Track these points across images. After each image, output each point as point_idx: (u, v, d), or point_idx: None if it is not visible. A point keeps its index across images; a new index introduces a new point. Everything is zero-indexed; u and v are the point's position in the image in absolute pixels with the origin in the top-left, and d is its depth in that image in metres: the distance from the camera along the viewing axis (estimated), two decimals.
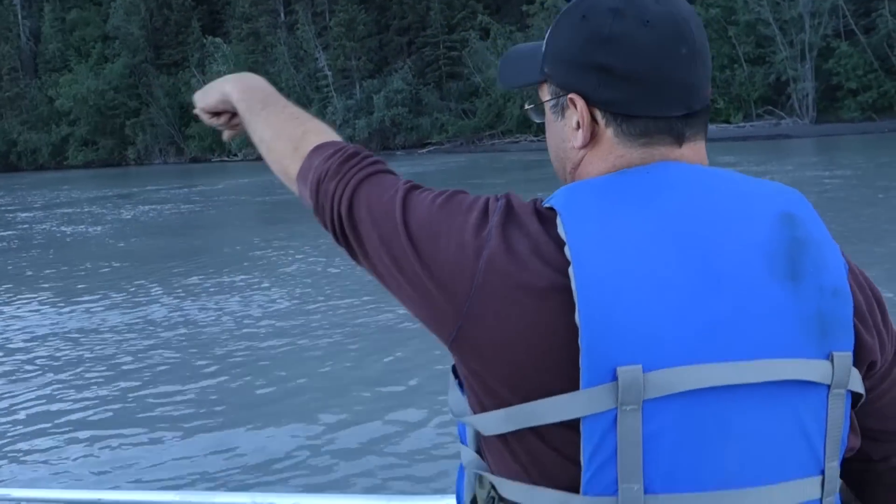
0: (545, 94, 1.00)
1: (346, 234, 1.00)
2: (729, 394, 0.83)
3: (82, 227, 19.71)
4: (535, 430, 0.85)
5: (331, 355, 7.11)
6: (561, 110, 0.97)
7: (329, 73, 58.43)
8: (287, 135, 1.12)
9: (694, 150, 0.94)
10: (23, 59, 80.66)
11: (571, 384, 0.82)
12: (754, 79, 44.54)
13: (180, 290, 10.55)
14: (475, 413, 0.91)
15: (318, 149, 1.07)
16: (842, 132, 38.74)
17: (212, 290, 10.49)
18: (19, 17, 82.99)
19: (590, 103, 0.92)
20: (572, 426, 0.83)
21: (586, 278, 0.81)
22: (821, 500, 0.88)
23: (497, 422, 0.87)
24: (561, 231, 0.85)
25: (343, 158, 1.04)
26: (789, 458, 0.86)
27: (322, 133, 1.11)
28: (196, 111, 1.31)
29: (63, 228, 19.37)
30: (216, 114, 1.28)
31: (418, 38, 58.58)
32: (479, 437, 0.94)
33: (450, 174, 31.56)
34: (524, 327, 0.83)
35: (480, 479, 0.95)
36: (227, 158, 66.05)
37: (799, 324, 0.85)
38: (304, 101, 61.23)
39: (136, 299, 10.18)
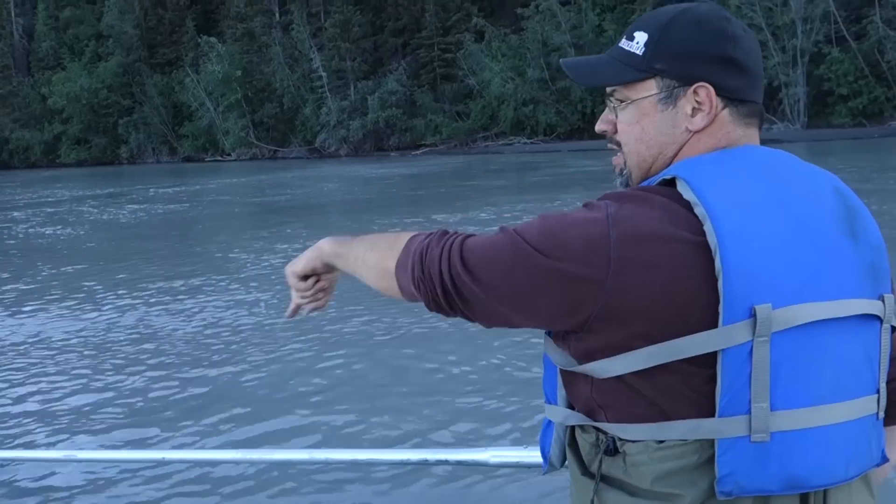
0: (647, 89, 1.15)
1: (457, 287, 1.11)
2: (827, 326, 1.03)
3: (62, 226, 19.68)
4: (667, 367, 1.02)
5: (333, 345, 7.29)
6: (674, 100, 1.14)
7: (324, 74, 58.54)
8: (382, 241, 1.26)
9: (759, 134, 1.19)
10: (16, 56, 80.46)
11: (709, 323, 0.99)
12: None
13: (160, 291, 10.28)
14: (588, 362, 1.08)
15: (412, 238, 1.20)
16: (832, 137, 39.16)
17: (192, 289, 10.28)
18: (12, 14, 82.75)
19: (716, 91, 1.12)
20: (705, 359, 1.00)
21: (722, 232, 0.99)
22: (877, 414, 1.11)
23: (636, 360, 1.03)
24: (690, 195, 1.03)
25: (439, 234, 1.17)
26: (861, 378, 1.08)
27: (407, 233, 1.24)
28: (290, 280, 1.42)
29: (44, 229, 19.28)
30: (305, 277, 1.40)
31: (413, 39, 58.77)
32: (576, 393, 1.14)
33: (444, 175, 31.73)
34: (665, 286, 1.00)
35: (581, 430, 1.15)
36: (220, 158, 66.11)
37: (860, 271, 1.08)
38: (298, 102, 61.43)
39: (112, 300, 9.88)
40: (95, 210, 24.18)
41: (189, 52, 69.17)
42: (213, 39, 64.56)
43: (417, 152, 54.28)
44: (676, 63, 1.13)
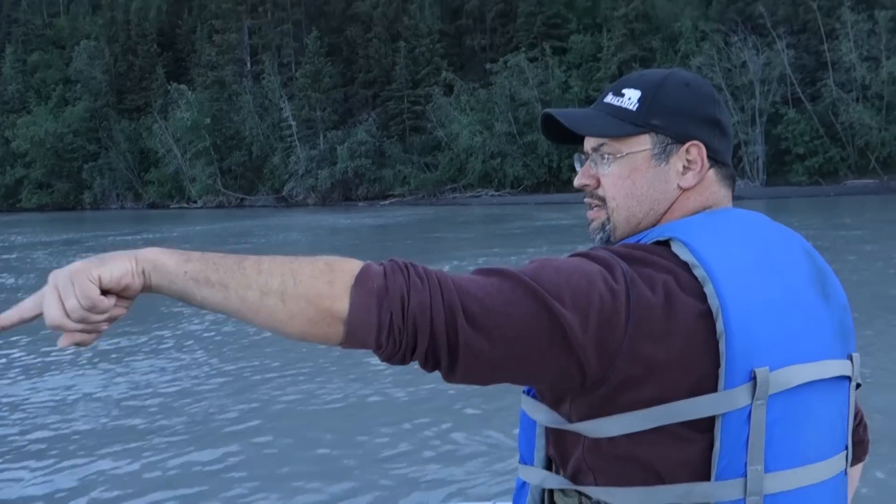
0: (640, 144, 1.16)
1: (457, 344, 0.96)
2: (812, 388, 1.05)
3: (8, 274, 19.07)
4: (664, 429, 1.00)
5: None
6: (667, 157, 1.16)
7: (293, 123, 58.86)
8: (299, 269, 0.96)
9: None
10: None
11: (708, 385, 0.99)
12: None
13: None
14: (582, 420, 1.06)
15: (364, 271, 0.97)
16: (790, 195, 40.21)
17: (120, 351, 9.37)
18: None
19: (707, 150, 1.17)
20: (703, 422, 1.00)
21: (723, 295, 0.99)
22: (845, 470, 1.14)
23: (635, 421, 1.01)
24: (688, 257, 1.03)
25: (406, 269, 0.98)
26: (836, 436, 1.11)
27: (339, 259, 1.00)
28: (79, 288, 0.93)
29: None
30: (105, 292, 0.96)
31: (383, 91, 59.52)
32: (563, 453, 1.11)
33: (412, 226, 31.87)
34: (676, 353, 0.99)
35: (562, 493, 1.12)
36: (186, 205, 65.71)
37: (833, 331, 1.11)
38: (267, 150, 61.57)
39: (33, 361, 9.04)
40: (47, 257, 23.68)
41: (158, 98, 69.19)
42: (182, 87, 64.72)
43: (385, 203, 54.52)
44: (672, 120, 1.15)
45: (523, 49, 54.04)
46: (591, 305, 0.97)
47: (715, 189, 1.17)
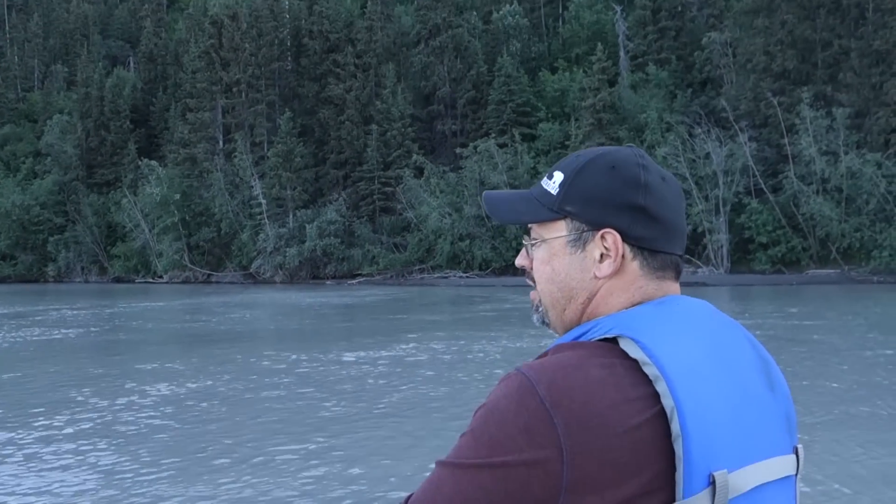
0: (558, 230, 1.13)
1: None
2: (766, 488, 1.01)
3: None
4: None
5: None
6: (583, 244, 1.10)
7: (263, 201, 58.95)
8: None
9: (678, 287, 1.15)
10: None
11: (667, 495, 0.93)
12: None
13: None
14: None
15: None
16: (753, 283, 40.85)
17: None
18: None
19: (623, 238, 1.08)
20: None
21: (679, 395, 0.94)
22: None
23: None
24: (638, 354, 0.96)
25: None
26: None
27: None
28: None
29: None
30: None
31: (354, 172, 60.10)
32: None
33: (379, 306, 31.65)
34: (627, 465, 0.92)
35: None
36: (151, 280, 64.89)
37: (780, 425, 1.07)
38: (236, 227, 61.45)
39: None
40: None
41: (129, 173, 69.16)
42: (153, 163, 64.87)
43: (353, 282, 54.32)
44: (586, 207, 1.10)
45: (493, 135, 55.17)
46: (514, 443, 0.93)
47: (642, 283, 1.09)
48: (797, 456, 1.09)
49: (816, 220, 43.53)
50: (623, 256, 1.08)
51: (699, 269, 44.82)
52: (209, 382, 12.57)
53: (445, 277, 52.35)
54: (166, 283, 61.90)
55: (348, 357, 15.12)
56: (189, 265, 62.68)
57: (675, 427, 0.93)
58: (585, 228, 1.10)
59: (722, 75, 52.02)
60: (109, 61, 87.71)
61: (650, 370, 0.95)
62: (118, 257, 68.35)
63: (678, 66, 53.75)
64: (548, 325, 1.17)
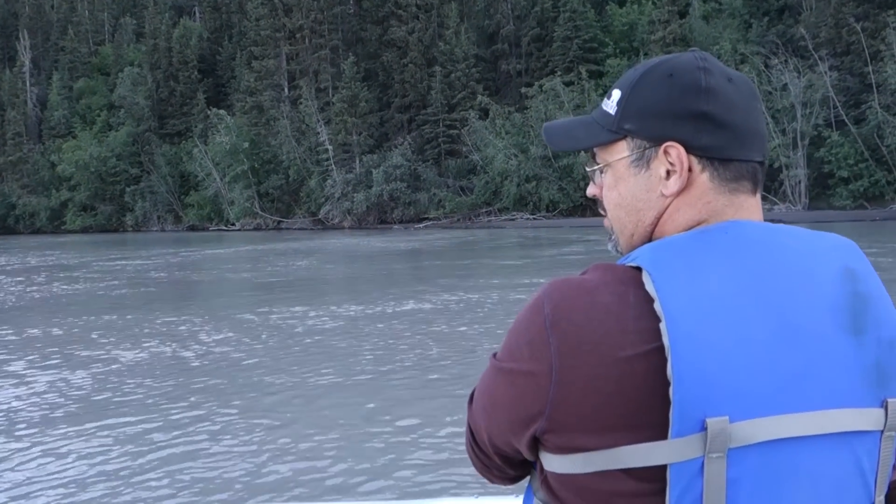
0: (619, 151, 1.06)
1: (469, 425, 1.14)
2: (800, 442, 0.91)
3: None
4: (614, 473, 0.92)
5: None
6: (646, 162, 1.03)
7: (330, 147, 59.35)
8: None
9: (758, 200, 1.05)
10: (28, 124, 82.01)
11: (658, 433, 0.89)
12: None
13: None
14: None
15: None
16: (833, 219, 39.27)
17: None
18: (27, 84, 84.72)
19: (687, 150, 1.01)
20: (656, 470, 0.89)
21: (678, 334, 0.88)
22: None
23: (573, 463, 0.94)
24: (650, 288, 0.92)
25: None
26: (848, 496, 0.94)
27: None
28: None
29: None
30: None
31: (419, 115, 59.80)
32: (546, 485, 1.01)
33: (446, 250, 31.71)
34: (612, 395, 0.90)
35: None
36: (224, 228, 66.49)
37: (860, 374, 0.94)
38: (304, 174, 62.16)
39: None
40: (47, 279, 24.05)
41: (198, 123, 70.43)
42: (222, 112, 65.77)
43: (420, 225, 54.54)
44: (645, 121, 1.03)
45: (559, 73, 53.94)
46: (519, 352, 0.99)
47: (710, 198, 1.01)
48: (886, 411, 0.95)
49: None
50: (690, 170, 1.01)
51: (775, 207, 43.32)
52: (323, 318, 12.82)
53: (512, 220, 52.05)
54: (238, 230, 63.33)
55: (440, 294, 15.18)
56: (260, 212, 63.90)
57: (669, 368, 0.88)
58: (647, 145, 1.04)
59: (800, 1, 49.32)
60: (175, 12, 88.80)
61: (657, 307, 0.91)
62: (192, 206, 70.16)
63: None
64: (620, 252, 1.11)
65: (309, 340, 11.46)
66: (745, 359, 0.89)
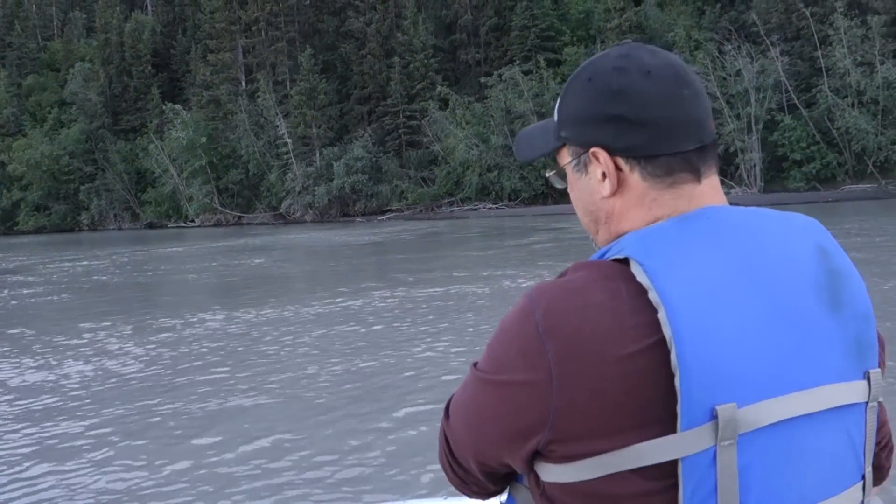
0: (565, 157, 1.10)
1: (446, 440, 1.11)
2: (802, 421, 0.91)
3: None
4: (622, 476, 0.89)
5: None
6: (584, 167, 1.06)
7: (289, 141, 58.88)
8: None
9: (711, 186, 1.02)
10: None
11: (667, 427, 0.87)
12: None
13: None
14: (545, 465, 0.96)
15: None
16: (788, 202, 40.11)
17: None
18: None
19: (611, 153, 1.01)
20: (666, 466, 0.88)
21: (678, 324, 0.86)
22: (863, 501, 1.00)
23: (584, 469, 0.91)
24: (643, 279, 0.90)
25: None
26: (844, 469, 0.96)
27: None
28: None
29: None
30: None
31: (378, 107, 59.60)
32: (546, 497, 0.98)
33: (409, 242, 31.75)
34: (618, 395, 0.88)
35: None
36: (183, 224, 65.66)
37: (844, 349, 0.96)
38: (263, 168, 61.61)
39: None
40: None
41: (154, 118, 69.38)
42: (178, 107, 64.89)
43: (383, 217, 54.48)
44: (575, 128, 1.06)
45: (517, 62, 54.20)
46: (511, 363, 0.96)
47: (654, 193, 1.00)
48: (869, 382, 0.98)
49: (852, 134, 42.48)
50: (620, 170, 1.02)
51: (732, 190, 44.14)
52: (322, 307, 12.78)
53: (475, 209, 52.27)
54: (198, 226, 62.60)
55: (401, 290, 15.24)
56: (219, 208, 63.24)
57: (673, 359, 0.86)
58: (581, 151, 1.06)
59: None
60: (126, 5, 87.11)
61: (653, 296, 0.88)
62: (149, 203, 69.15)
63: None
64: (596, 248, 1.13)
65: (269, 339, 11.46)
66: (745, 342, 0.88)
